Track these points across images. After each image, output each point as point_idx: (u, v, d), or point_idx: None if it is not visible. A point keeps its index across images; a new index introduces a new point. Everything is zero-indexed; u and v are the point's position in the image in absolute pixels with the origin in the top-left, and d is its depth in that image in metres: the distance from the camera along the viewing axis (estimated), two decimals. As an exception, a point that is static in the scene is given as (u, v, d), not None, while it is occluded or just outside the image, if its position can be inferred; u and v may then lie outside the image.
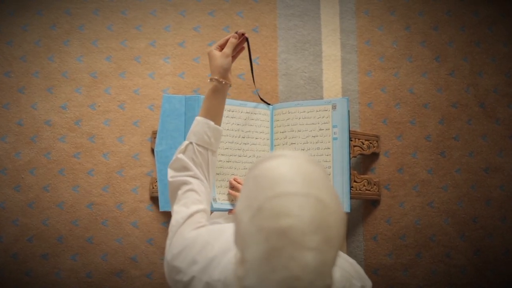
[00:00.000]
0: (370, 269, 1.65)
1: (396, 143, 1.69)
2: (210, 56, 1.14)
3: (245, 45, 1.21)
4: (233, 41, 1.14)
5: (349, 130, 1.46)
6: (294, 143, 1.49)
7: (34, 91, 1.69)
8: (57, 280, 1.61)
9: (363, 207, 1.68)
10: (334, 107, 1.47)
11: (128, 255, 1.63)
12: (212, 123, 1.10)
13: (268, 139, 1.52)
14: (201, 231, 0.93)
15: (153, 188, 1.62)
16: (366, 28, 1.74)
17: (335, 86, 1.72)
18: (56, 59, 1.70)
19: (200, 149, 1.07)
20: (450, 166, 1.68)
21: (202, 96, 1.46)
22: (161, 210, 1.45)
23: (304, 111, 1.49)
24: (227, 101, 1.49)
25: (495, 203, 1.67)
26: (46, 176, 1.65)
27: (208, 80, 1.12)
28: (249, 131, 1.48)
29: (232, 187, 1.42)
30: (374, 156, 1.68)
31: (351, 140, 1.57)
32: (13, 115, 1.67)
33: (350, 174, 1.45)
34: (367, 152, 1.63)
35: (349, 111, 1.46)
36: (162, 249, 1.63)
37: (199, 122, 1.10)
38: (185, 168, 1.06)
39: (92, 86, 1.70)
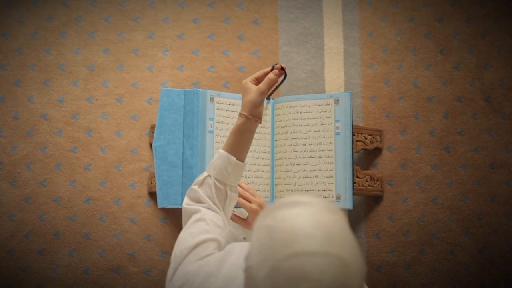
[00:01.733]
0: (373, 267, 1.62)
1: (400, 138, 1.66)
2: (244, 88, 1.08)
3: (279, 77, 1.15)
4: (272, 77, 1.08)
5: (352, 125, 1.43)
6: (296, 138, 1.46)
7: (30, 84, 1.65)
8: (53, 276, 1.59)
9: (366, 203, 1.65)
10: (336, 101, 1.44)
11: (126, 251, 1.61)
12: (233, 158, 1.05)
13: (268, 134, 1.49)
14: (206, 260, 0.89)
15: (151, 183, 1.60)
16: (369, 20, 1.71)
17: (337, 79, 1.68)
18: (52, 52, 1.67)
19: (218, 183, 1.05)
20: (454, 162, 1.65)
21: (202, 90, 1.44)
22: (159, 206, 1.42)
23: (306, 105, 1.46)
24: (226, 94, 1.47)
25: (500, 200, 1.64)
26: (43, 170, 1.62)
27: (237, 114, 1.08)
28: (249, 126, 1.44)
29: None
30: (377, 151, 1.65)
31: (354, 135, 1.54)
32: (9, 108, 1.64)
33: (352, 169, 1.42)
34: (370, 147, 1.60)
35: (352, 105, 1.43)
36: (160, 246, 1.61)
37: (221, 156, 1.06)
38: (199, 200, 1.04)
39: (89, 79, 1.66)
